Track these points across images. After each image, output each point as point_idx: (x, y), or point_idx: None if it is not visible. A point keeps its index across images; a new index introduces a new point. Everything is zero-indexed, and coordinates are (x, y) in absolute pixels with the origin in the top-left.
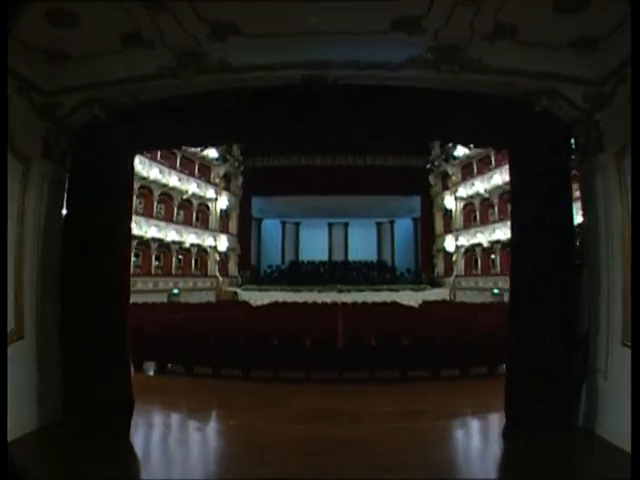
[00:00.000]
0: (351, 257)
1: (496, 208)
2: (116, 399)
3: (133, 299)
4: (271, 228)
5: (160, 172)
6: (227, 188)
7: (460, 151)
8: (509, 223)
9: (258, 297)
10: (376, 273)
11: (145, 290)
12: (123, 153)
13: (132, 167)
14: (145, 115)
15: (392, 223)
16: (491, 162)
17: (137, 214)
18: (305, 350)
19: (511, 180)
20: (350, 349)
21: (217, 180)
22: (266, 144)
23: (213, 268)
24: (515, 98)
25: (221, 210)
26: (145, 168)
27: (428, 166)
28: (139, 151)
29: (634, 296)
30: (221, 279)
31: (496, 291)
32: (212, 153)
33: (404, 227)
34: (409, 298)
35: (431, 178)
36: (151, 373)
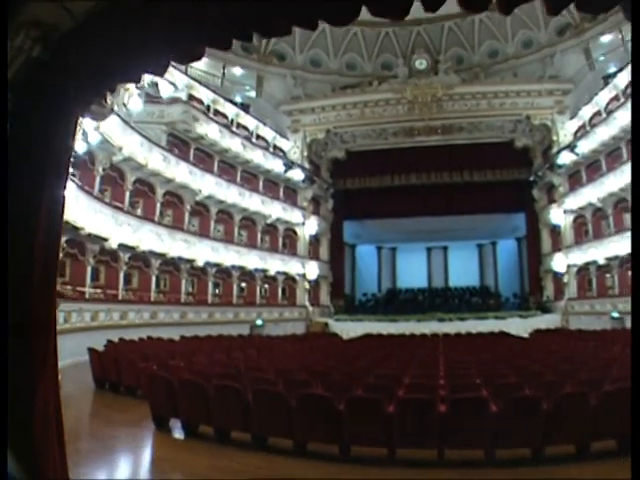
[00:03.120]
0: (452, 283)
1: (611, 219)
2: None
3: (208, 331)
4: (366, 254)
5: (240, 194)
6: (316, 212)
7: (566, 158)
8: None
9: (351, 328)
10: (479, 299)
11: (223, 321)
12: (64, 108)
13: (74, 134)
14: (91, 35)
15: (494, 244)
16: (601, 166)
17: (216, 240)
18: (388, 417)
19: None
20: (456, 415)
21: (304, 204)
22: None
23: (302, 297)
24: None
25: (310, 235)
26: (223, 190)
27: (531, 178)
28: (88, 101)
29: (634, 294)
30: (311, 309)
31: (615, 315)
32: (297, 175)
33: (507, 248)
34: (517, 326)
35: (535, 192)
36: (178, 436)
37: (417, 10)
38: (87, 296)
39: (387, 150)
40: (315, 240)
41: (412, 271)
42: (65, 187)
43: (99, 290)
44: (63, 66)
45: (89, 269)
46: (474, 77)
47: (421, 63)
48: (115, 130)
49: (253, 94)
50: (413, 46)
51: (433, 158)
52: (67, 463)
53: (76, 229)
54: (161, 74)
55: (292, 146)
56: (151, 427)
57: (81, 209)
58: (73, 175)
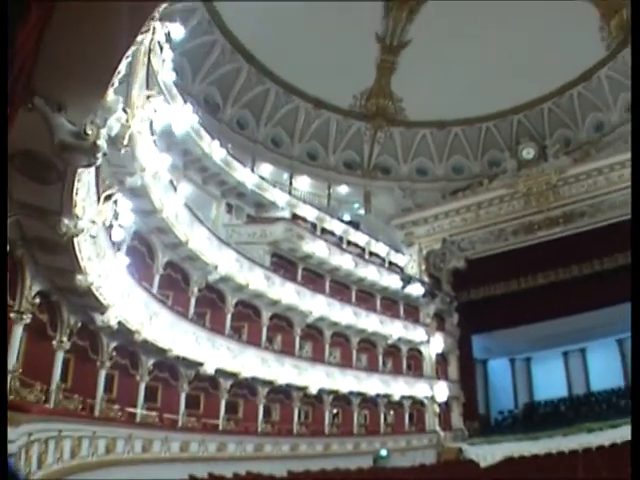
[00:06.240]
0: (594, 387)
1: None
2: None
3: (323, 464)
4: (498, 369)
5: (355, 315)
6: (441, 328)
7: None
8: None
9: (488, 452)
10: (628, 400)
11: (342, 453)
12: None
13: None
14: None
15: None
16: None
17: (332, 365)
18: None
19: None
20: None
21: (427, 320)
22: None
23: (432, 422)
24: None
25: (437, 354)
26: (336, 311)
27: None
28: None
29: (634, 298)
30: (442, 434)
31: None
32: (417, 291)
33: None
34: None
35: None
36: None
37: (514, 97)
38: (180, 424)
39: (508, 252)
40: (442, 359)
41: (549, 381)
42: None
43: (193, 418)
44: None
45: (183, 395)
46: (585, 155)
47: (528, 152)
48: (206, 245)
49: (362, 211)
50: (517, 136)
51: (558, 252)
52: None
53: (163, 351)
54: None
55: (409, 260)
56: None
57: (167, 328)
58: (165, 296)
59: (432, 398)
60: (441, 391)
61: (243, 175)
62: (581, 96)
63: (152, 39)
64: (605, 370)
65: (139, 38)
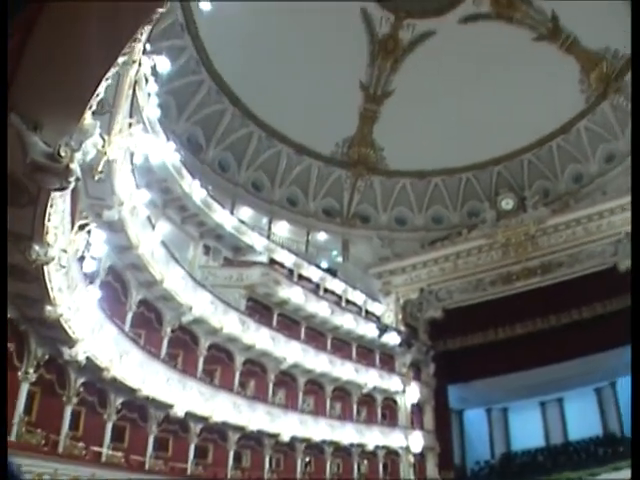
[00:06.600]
0: (571, 436)
1: None
2: None
3: None
4: (474, 419)
5: (330, 363)
6: (417, 378)
7: None
8: None
9: None
10: (607, 449)
11: None
12: None
13: None
14: None
15: (613, 385)
16: None
17: (305, 413)
18: None
19: None
20: None
21: (403, 370)
22: None
23: (406, 472)
24: None
25: (412, 404)
26: (311, 358)
27: None
28: None
29: (634, 296)
30: None
31: None
32: (393, 340)
33: (629, 385)
34: None
35: None
36: None
37: (494, 149)
38: (147, 467)
39: (486, 302)
40: (417, 408)
41: (526, 430)
42: None
43: (160, 461)
44: None
45: (151, 438)
46: (564, 206)
47: (507, 203)
48: (181, 285)
49: (340, 259)
50: (496, 187)
51: (536, 302)
52: None
53: (132, 390)
54: None
55: (385, 309)
56: None
57: (137, 368)
58: (137, 334)
59: (407, 448)
60: (416, 441)
61: (222, 217)
62: (560, 148)
63: (138, 71)
64: (583, 419)
65: (120, 60)
